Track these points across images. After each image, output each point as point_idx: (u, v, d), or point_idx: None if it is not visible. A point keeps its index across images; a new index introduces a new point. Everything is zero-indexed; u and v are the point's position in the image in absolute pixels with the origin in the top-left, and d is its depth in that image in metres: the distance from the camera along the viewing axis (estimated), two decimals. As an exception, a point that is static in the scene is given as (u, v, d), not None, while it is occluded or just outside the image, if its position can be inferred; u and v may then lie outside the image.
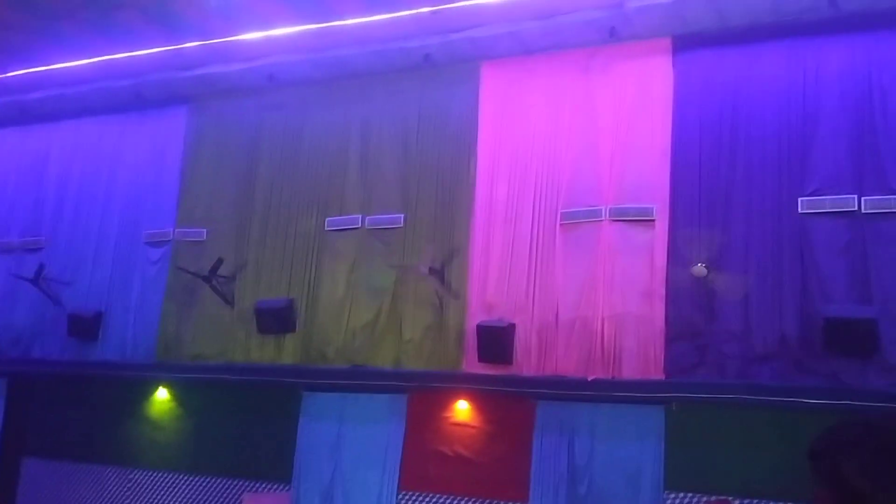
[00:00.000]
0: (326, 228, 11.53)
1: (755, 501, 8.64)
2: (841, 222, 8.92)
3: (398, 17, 10.67)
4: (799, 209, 9.08)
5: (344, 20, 10.93)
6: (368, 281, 11.08)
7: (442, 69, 11.28)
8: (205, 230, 12.34)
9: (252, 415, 11.56)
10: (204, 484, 11.71)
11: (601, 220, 10.03)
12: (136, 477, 12.19)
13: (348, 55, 11.47)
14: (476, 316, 10.28)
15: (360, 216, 11.37)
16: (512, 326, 10.03)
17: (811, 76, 9.44)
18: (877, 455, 1.42)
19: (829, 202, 8.99)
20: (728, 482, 8.71)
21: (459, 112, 11.13)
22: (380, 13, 10.72)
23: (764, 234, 9.24)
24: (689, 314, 9.35)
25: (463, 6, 10.36)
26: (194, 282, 11.79)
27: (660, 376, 9.30)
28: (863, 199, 8.85)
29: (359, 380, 10.89)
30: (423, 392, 10.51)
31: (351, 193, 11.54)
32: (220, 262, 11.58)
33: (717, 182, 9.61)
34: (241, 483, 11.42)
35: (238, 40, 11.68)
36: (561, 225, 10.26)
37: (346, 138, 11.76)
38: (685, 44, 10.08)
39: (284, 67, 11.93)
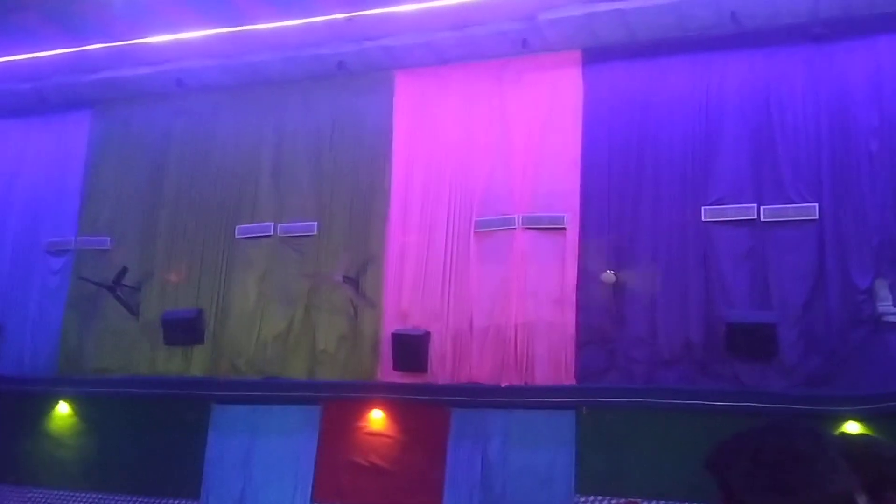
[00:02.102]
0: (237, 236, 11.33)
1: (664, 502, 8.84)
2: (742, 230, 9.28)
3: (312, 23, 10.58)
4: (702, 217, 9.40)
5: (256, 25, 10.78)
6: (281, 290, 10.92)
7: (356, 77, 11.24)
8: (109, 238, 11.97)
9: (159, 429, 11.18)
10: (108, 502, 11.26)
11: (514, 229, 10.17)
12: (36, 496, 11.63)
13: (260, 61, 11.31)
14: (391, 324, 10.26)
15: (273, 224, 11.22)
16: (427, 334, 10.05)
17: (714, 90, 9.79)
18: (758, 466, 1.47)
19: (730, 211, 9.34)
20: (637, 484, 8.88)
21: (374, 120, 11.11)
22: (293, 19, 10.61)
23: (670, 241, 9.53)
24: (599, 320, 9.55)
25: (377, 14, 10.35)
26: (98, 292, 11.41)
27: (571, 381, 9.48)
28: (762, 207, 9.22)
29: (271, 391, 10.70)
30: (338, 402, 10.40)
31: (263, 201, 11.37)
32: (124, 271, 11.24)
33: (625, 191, 9.87)
34: (147, 501, 11.01)
35: (145, 43, 11.37)
36: (475, 233, 10.35)
37: (258, 145, 11.59)
38: (595, 56, 10.33)
39: (194, 72, 11.68)
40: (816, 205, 9.04)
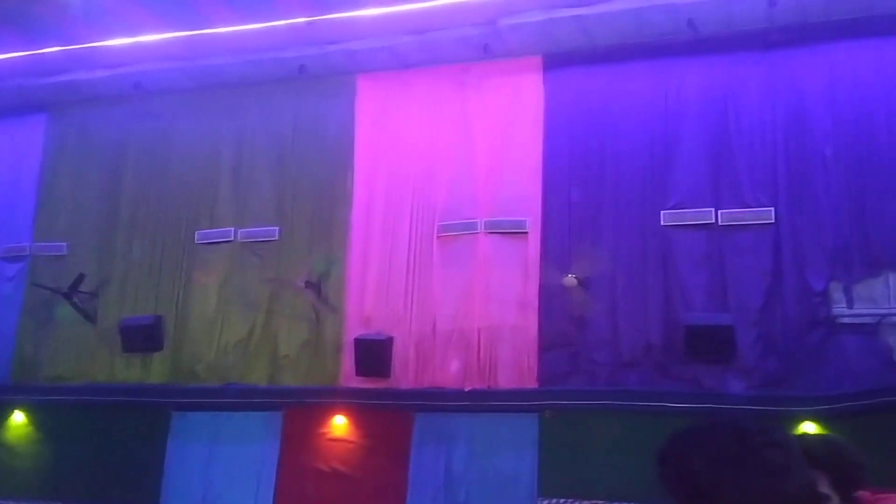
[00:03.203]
0: (197, 242, 11.21)
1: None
2: (700, 234, 9.41)
3: (272, 26, 10.51)
4: (661, 222, 9.52)
5: (216, 28, 10.68)
6: (242, 296, 10.83)
7: (318, 81, 11.19)
8: (65, 244, 11.78)
9: (117, 438, 11.01)
10: (65, 512, 11.06)
11: (477, 233, 10.20)
12: (-11, 508, 11.40)
13: (220, 64, 11.21)
14: (354, 330, 10.22)
15: (233, 229, 11.12)
16: (390, 339, 10.02)
17: (673, 95, 9.92)
18: (720, 450, 1.50)
19: (689, 215, 9.46)
20: (599, 486, 8.96)
21: (336, 124, 11.07)
22: (253, 22, 10.54)
23: (630, 245, 9.63)
24: (561, 324, 9.62)
25: (338, 18, 10.32)
26: (53, 299, 11.20)
27: (533, 385, 9.53)
28: (720, 212, 9.36)
29: (232, 398, 10.59)
30: (300, 408, 10.33)
31: (223, 206, 11.26)
32: (81, 277, 11.05)
33: (586, 196, 9.95)
34: (105, 510, 10.85)
35: (102, 46, 11.20)
36: (438, 238, 10.36)
37: (218, 149, 11.48)
38: (556, 62, 10.41)
39: (152, 75, 11.54)
40: (772, 209, 9.20)
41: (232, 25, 10.63)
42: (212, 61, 11.21)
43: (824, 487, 2.98)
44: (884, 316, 8.70)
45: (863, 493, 3.02)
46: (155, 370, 10.94)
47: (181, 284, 11.15)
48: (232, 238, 11.10)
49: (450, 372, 9.80)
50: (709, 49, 9.83)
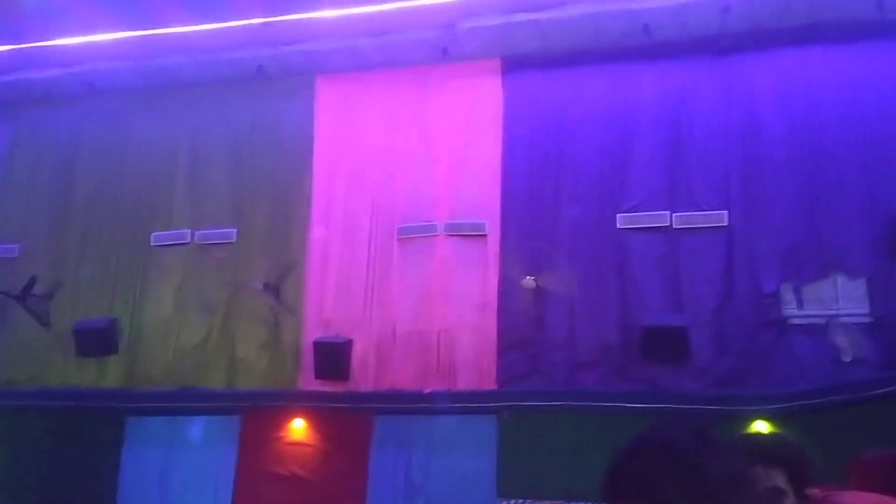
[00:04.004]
0: (152, 244, 11.06)
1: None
2: (655, 237, 9.56)
3: (229, 26, 10.42)
4: (618, 224, 9.65)
5: (171, 27, 10.55)
6: (199, 298, 10.71)
7: (275, 81, 11.13)
8: (17, 246, 11.55)
9: (71, 443, 10.81)
10: (17, 520, 10.84)
11: (437, 235, 10.23)
12: (-63, 516, 11.11)
13: (175, 64, 11.09)
14: (313, 332, 10.18)
15: (190, 231, 11.00)
16: (349, 342, 10.00)
17: (629, 99, 10.06)
18: (684, 471, 1.41)
19: (644, 218, 9.60)
20: (558, 486, 9.03)
21: (294, 125, 11.01)
22: (210, 22, 10.44)
23: (587, 248, 9.74)
24: (520, 325, 9.68)
25: (296, 19, 10.27)
26: (5, 301, 10.98)
27: (492, 386, 9.58)
28: (674, 215, 9.52)
29: (188, 402, 10.47)
30: (258, 412, 10.26)
31: (179, 207, 11.14)
32: (33, 280, 10.84)
33: (544, 198, 10.05)
34: (58, 517, 10.65)
35: (55, 45, 11.00)
36: (398, 240, 10.37)
37: (174, 150, 11.35)
38: (514, 65, 10.48)
39: (105, 75, 11.37)
40: (726, 212, 9.38)
41: (187, 25, 10.51)
42: (167, 61, 11.08)
43: (782, 484, 3.06)
44: (832, 317, 8.92)
45: (813, 491, 3.11)
46: (110, 374, 10.77)
47: (136, 287, 11.00)
48: (188, 240, 10.99)
49: (409, 374, 9.82)
50: (664, 54, 9.99)
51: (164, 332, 10.73)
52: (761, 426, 8.35)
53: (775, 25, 9.56)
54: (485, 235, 10.07)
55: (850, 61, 9.48)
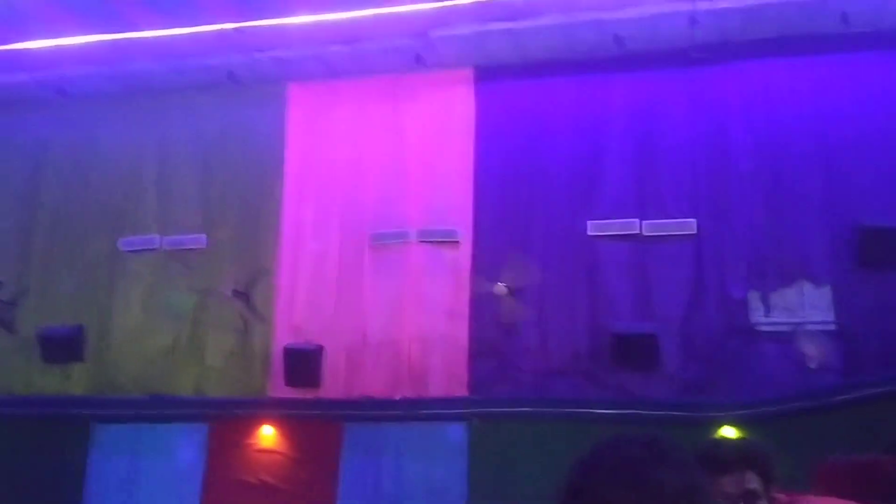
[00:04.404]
0: (121, 249, 10.95)
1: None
2: (625, 244, 9.65)
3: (200, 32, 10.36)
4: (588, 232, 9.73)
5: (141, 32, 10.46)
6: (167, 305, 10.62)
7: (247, 88, 11.08)
8: (-18, 252, 11.34)
9: (36, 450, 10.62)
10: (-20, 530, 10.63)
11: (409, 243, 10.24)
12: None
13: (146, 69, 11.00)
14: (283, 339, 10.13)
15: (159, 237, 10.91)
16: (320, 349, 9.97)
17: (601, 109, 10.16)
18: (639, 487, 1.38)
19: (614, 226, 9.70)
20: (528, 493, 9.04)
21: (266, 132, 10.97)
22: (180, 27, 10.37)
23: (559, 255, 9.81)
24: (491, 332, 9.72)
25: (268, 25, 10.23)
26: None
27: (463, 393, 9.59)
28: (644, 222, 9.63)
29: (156, 409, 10.36)
30: (227, 420, 10.17)
31: (148, 213, 11.04)
32: (-2, 285, 10.69)
33: (516, 206, 10.11)
34: (22, 526, 10.46)
35: (23, 49, 10.86)
36: (369, 247, 10.36)
37: (143, 156, 11.26)
38: (487, 74, 10.54)
39: (75, 80, 11.25)
40: (695, 220, 9.50)
41: (158, 30, 10.43)
42: (137, 66, 10.99)
43: (758, 486, 3.11)
44: (798, 324, 9.06)
45: (778, 495, 3.16)
46: (76, 381, 10.64)
47: (104, 293, 10.87)
48: (157, 246, 10.89)
49: (380, 382, 9.81)
50: (635, 65, 10.09)
51: (132, 339, 10.63)
52: (728, 431, 8.44)
53: (742, 38, 9.71)
54: (457, 243, 10.10)
55: (814, 74, 9.66)
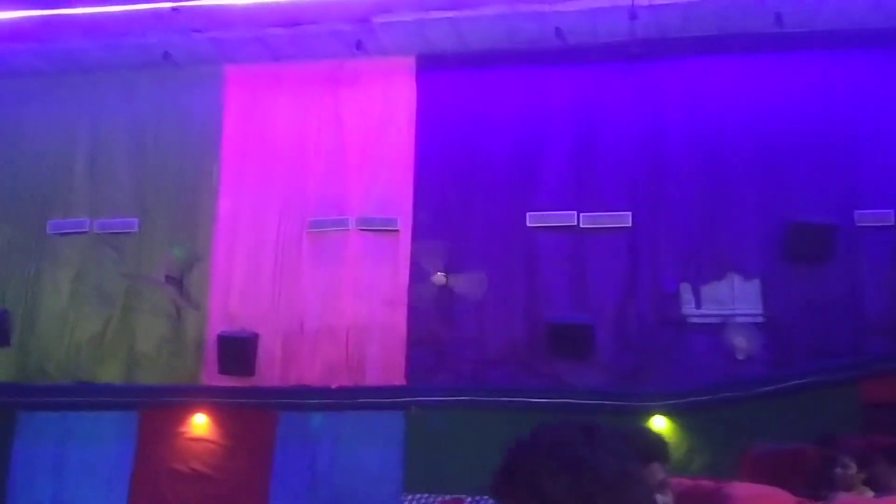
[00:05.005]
0: (49, 232, 10.63)
1: (486, 498, 9.11)
2: (563, 236, 9.77)
3: (135, 10, 10.07)
4: (527, 223, 9.81)
5: (74, 9, 10.12)
6: (97, 290, 10.36)
7: (183, 69, 10.83)
8: None
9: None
10: None
11: (347, 230, 10.19)
12: None
13: (77, 47, 10.65)
14: (217, 326, 9.99)
15: (89, 220, 10.63)
16: (255, 336, 9.86)
17: (541, 101, 10.23)
18: (575, 470, 1.38)
19: (552, 217, 9.80)
20: (463, 481, 9.08)
21: (202, 114, 10.76)
22: (115, 5, 10.06)
23: (498, 245, 9.87)
24: (430, 321, 9.74)
25: (206, 5, 9.99)
26: None
27: (401, 382, 9.60)
28: (581, 215, 9.75)
29: (84, 397, 10.11)
30: (158, 408, 9.97)
31: (78, 195, 10.74)
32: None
33: (456, 196, 10.13)
34: (-61, 518, 10.12)
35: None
36: (307, 234, 10.27)
37: (73, 136, 10.95)
38: (429, 63, 10.51)
39: (3, 56, 10.82)
40: (630, 213, 9.66)
41: (91, 7, 10.09)
42: (69, 44, 10.62)
43: (665, 477, 3.20)
44: (728, 316, 9.30)
45: (675, 481, 3.28)
46: (1, 368, 10.30)
47: (30, 277, 10.55)
48: (87, 229, 10.62)
49: (316, 370, 9.75)
50: (576, 58, 10.18)
51: (59, 325, 10.37)
52: (659, 421, 8.62)
53: (681, 35, 9.87)
54: (396, 231, 10.08)
55: (750, 73, 9.88)
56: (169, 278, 10.01)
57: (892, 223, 9.22)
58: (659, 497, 3.33)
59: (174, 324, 10.17)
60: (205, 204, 10.47)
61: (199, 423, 9.94)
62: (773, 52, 9.78)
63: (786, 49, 9.74)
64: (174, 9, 9.98)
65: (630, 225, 9.64)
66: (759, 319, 9.28)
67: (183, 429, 9.95)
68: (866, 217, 9.28)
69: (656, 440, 3.49)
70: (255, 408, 9.82)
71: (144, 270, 10.26)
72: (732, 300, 9.43)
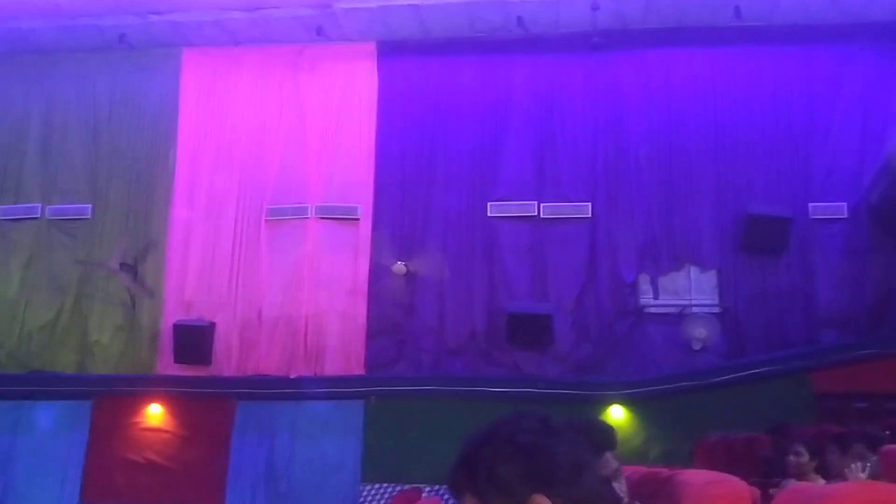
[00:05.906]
0: (-1, 218, 10.40)
1: (445, 488, 9.10)
2: (523, 226, 9.79)
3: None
4: (488, 213, 9.80)
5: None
6: (48, 277, 10.15)
7: (139, 52, 10.63)
8: None
9: None
10: None
11: (307, 218, 10.08)
12: None
13: (31, 28, 10.38)
14: (173, 315, 9.85)
15: (40, 205, 10.40)
16: (212, 325, 9.74)
17: (502, 90, 10.21)
18: (531, 457, 1.39)
19: (513, 207, 9.80)
20: (421, 471, 9.08)
21: (158, 98, 10.57)
22: (69, -15, 9.83)
23: (458, 235, 9.85)
24: (390, 311, 9.69)
25: (164, -13, 9.82)
26: None
27: (360, 372, 9.55)
28: (541, 205, 9.77)
29: (36, 386, 9.89)
30: (112, 397, 9.80)
31: (29, 180, 10.51)
32: None
33: (417, 184, 10.08)
34: None
35: None
36: (266, 221, 10.15)
37: (25, 118, 10.71)
38: (390, 50, 10.43)
39: (-49, 35, 10.53)
40: (590, 204, 9.71)
41: (45, -14, 9.85)
42: (22, 24, 10.35)
43: (618, 465, 3.24)
44: (685, 307, 9.40)
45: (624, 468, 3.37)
46: (-52, 357, 10.05)
47: (-21, 264, 10.29)
48: (39, 215, 10.38)
49: (275, 359, 9.65)
50: (537, 48, 10.18)
51: (10, 312, 10.15)
52: (617, 410, 8.69)
53: (643, 27, 9.92)
54: (357, 219, 10.00)
55: (708, 65, 9.98)
56: (123, 265, 9.83)
57: (846, 216, 9.38)
58: (615, 485, 3.36)
59: (128, 312, 10.00)
60: (160, 189, 10.30)
61: (155, 413, 9.78)
62: (731, 45, 9.87)
63: (744, 43, 9.84)
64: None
65: (590, 215, 9.69)
66: (716, 310, 9.39)
67: (137, 419, 9.78)
68: (820, 210, 9.43)
69: (607, 430, 3.54)
70: (212, 398, 9.69)
71: (98, 257, 10.04)
72: (689, 291, 9.54)
